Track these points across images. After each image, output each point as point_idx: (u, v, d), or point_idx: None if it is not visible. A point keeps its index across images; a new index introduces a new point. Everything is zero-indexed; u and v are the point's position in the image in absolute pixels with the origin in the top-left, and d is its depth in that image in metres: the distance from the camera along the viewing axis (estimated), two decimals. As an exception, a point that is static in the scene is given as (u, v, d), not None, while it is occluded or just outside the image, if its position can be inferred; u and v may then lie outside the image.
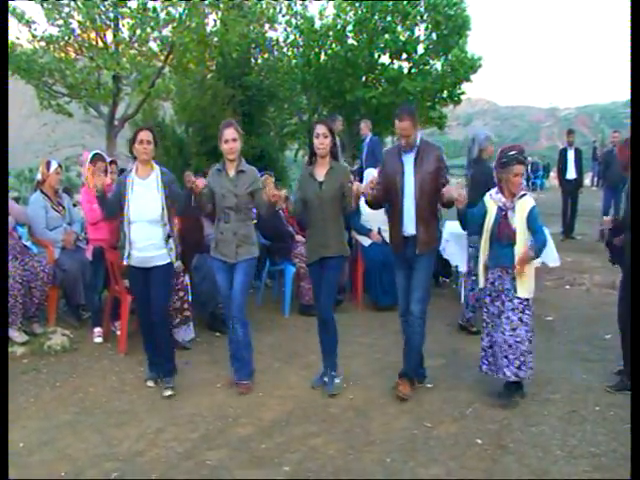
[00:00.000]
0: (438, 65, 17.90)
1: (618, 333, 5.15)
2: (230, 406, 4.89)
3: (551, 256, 7.18)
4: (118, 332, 6.26)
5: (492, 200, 4.90)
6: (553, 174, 28.27)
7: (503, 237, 4.83)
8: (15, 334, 6.07)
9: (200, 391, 5.15)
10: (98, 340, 6.37)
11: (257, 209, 5.36)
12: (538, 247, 4.77)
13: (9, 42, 11.22)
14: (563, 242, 10.94)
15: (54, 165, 6.68)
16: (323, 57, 18.12)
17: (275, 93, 15.47)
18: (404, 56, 17.99)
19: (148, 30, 11.31)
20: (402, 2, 16.71)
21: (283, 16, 17.33)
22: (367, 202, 5.18)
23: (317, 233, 5.06)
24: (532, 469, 3.91)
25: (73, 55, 11.60)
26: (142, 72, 11.31)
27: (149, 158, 5.06)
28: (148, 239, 5.00)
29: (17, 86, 12.48)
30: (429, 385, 5.17)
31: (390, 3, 16.71)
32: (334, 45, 17.84)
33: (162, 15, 11.32)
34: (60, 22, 11.19)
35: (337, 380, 5.17)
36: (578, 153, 12.54)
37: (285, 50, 17.81)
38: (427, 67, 17.86)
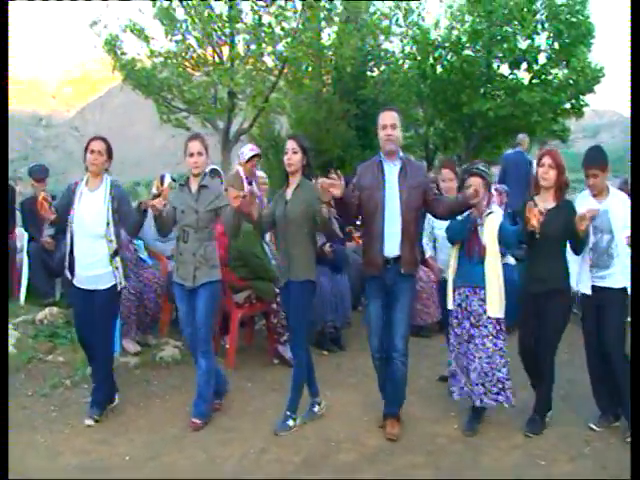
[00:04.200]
0: (560, 75, 17.17)
1: None
2: (334, 429, 4.76)
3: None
4: (227, 346, 6.29)
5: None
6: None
7: (473, 253, 4.62)
8: (129, 345, 6.23)
9: (304, 412, 5.06)
10: (208, 354, 6.42)
11: (225, 228, 4.97)
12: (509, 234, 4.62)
13: (130, 58, 11.69)
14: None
15: (167, 179, 6.81)
16: (439, 69, 17.82)
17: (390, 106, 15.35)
18: (524, 66, 17.40)
19: (263, 45, 11.48)
20: (520, 11, 16.17)
21: (400, 27, 17.23)
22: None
23: (282, 255, 4.77)
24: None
25: (190, 70, 11.93)
26: (256, 87, 11.49)
27: (98, 170, 4.75)
28: (92, 255, 4.70)
29: (146, 99, 13.00)
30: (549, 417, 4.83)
31: (506, 11, 16.21)
32: (450, 56, 17.52)
33: (277, 30, 11.45)
34: (178, 38, 11.55)
35: (290, 422, 4.74)
36: None
37: (400, 62, 17.66)
38: (549, 77, 17.17)
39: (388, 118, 4.56)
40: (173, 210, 4.84)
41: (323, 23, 12.20)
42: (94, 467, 4.20)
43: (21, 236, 7.60)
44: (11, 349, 5.82)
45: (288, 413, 4.80)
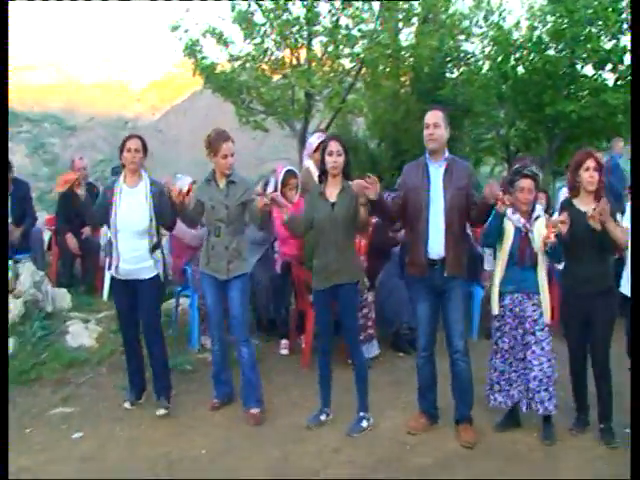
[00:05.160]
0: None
1: None
2: (409, 431, 4.70)
3: None
4: (303, 345, 6.31)
5: (509, 220, 4.54)
6: None
7: (525, 259, 4.51)
8: (208, 341, 6.33)
9: (379, 412, 4.99)
10: (284, 352, 6.45)
11: (250, 221, 4.99)
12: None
13: (210, 62, 11.89)
14: None
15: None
16: (520, 69, 17.41)
17: (470, 107, 15.08)
18: (609, 66, 16.79)
19: (340, 47, 11.49)
20: (604, 10, 15.61)
21: (480, 27, 16.96)
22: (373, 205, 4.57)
23: (329, 258, 4.64)
24: None
25: (268, 73, 12.03)
26: (333, 89, 11.51)
27: (137, 167, 4.88)
28: (134, 250, 4.83)
29: (228, 102, 13.22)
30: (627, 430, 4.62)
31: (590, 11, 15.68)
32: (532, 57, 17.09)
33: (354, 32, 11.44)
34: (256, 41, 11.68)
35: (364, 423, 4.75)
36: None
37: (480, 63, 17.37)
38: (637, 78, 16.50)
39: (431, 117, 4.51)
40: (200, 204, 4.92)
41: (400, 24, 12.13)
42: (171, 459, 4.30)
43: (104, 234, 7.84)
44: (93, 343, 6.02)
45: (361, 414, 4.79)
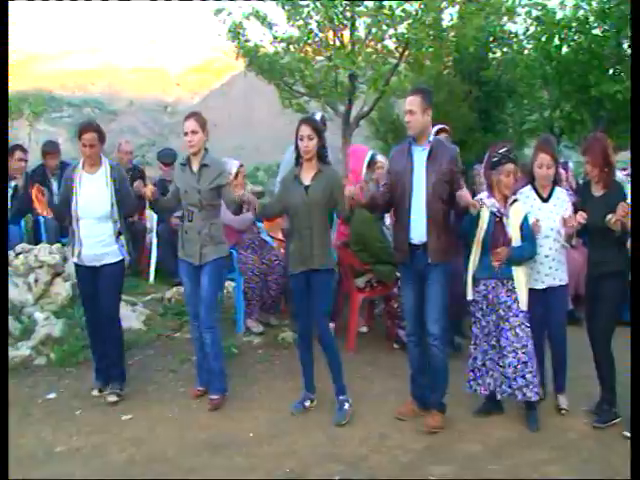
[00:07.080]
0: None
1: None
2: (458, 418, 4.65)
3: None
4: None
5: (484, 205, 4.43)
6: None
7: (499, 245, 4.39)
8: (253, 324, 6.36)
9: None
10: (329, 335, 6.43)
11: (226, 206, 4.92)
12: (522, 253, 4.47)
13: (254, 44, 11.90)
14: None
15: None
16: (565, 49, 17.05)
17: (514, 88, 14.82)
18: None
19: (384, 27, 11.36)
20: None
21: (523, 7, 16.63)
22: (365, 206, 4.69)
23: (302, 242, 4.57)
24: None
25: (312, 55, 11.96)
26: (377, 70, 11.39)
27: (94, 161, 4.86)
28: (97, 236, 4.80)
29: (266, 86, 13.24)
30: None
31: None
32: (577, 36, 16.71)
33: (398, 12, 11.29)
34: (300, 23, 11.61)
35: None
36: None
37: (524, 43, 17.06)
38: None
39: (407, 103, 4.43)
40: (177, 189, 4.92)
41: (444, 4, 11.93)
42: (220, 442, 4.32)
43: (150, 217, 7.92)
44: (141, 326, 6.09)
45: (341, 397, 4.75)
